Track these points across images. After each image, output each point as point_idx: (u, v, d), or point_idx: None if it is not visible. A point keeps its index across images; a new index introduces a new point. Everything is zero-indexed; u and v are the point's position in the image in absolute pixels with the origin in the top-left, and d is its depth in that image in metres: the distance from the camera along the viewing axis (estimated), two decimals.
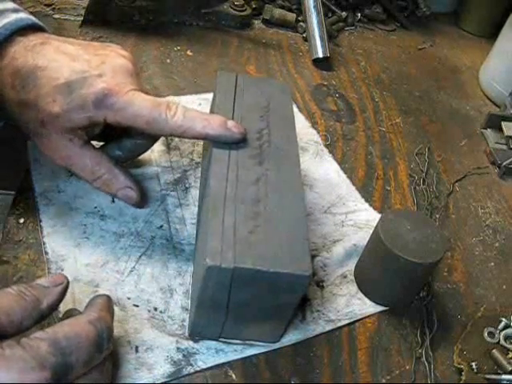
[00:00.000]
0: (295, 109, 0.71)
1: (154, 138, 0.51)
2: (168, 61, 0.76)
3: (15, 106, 0.45)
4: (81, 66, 0.44)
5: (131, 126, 0.45)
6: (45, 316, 0.34)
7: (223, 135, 0.45)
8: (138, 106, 0.44)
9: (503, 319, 0.51)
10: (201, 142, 0.61)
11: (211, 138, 0.45)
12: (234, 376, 0.42)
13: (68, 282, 0.36)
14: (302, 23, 0.91)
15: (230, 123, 0.46)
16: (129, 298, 0.45)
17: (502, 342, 0.50)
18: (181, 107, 0.46)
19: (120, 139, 0.50)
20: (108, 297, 0.38)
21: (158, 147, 0.59)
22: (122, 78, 0.45)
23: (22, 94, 0.44)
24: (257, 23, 0.92)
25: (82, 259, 0.46)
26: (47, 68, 0.43)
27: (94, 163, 0.48)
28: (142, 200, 0.52)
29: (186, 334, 0.43)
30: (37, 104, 0.44)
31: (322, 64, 0.85)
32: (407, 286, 0.48)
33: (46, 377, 0.30)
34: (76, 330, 0.32)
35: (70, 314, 0.38)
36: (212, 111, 0.53)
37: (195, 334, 0.43)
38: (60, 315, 0.40)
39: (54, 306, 0.35)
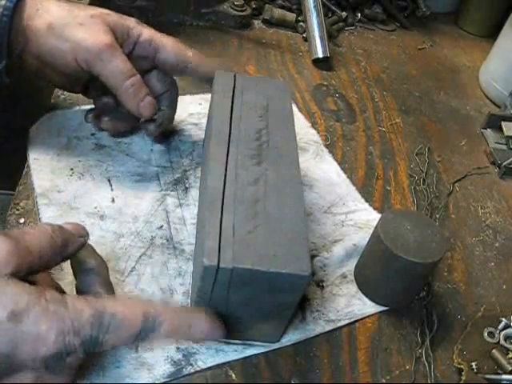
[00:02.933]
0: (295, 109, 0.71)
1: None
2: None
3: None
4: None
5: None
6: (64, 261, 0.35)
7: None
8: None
9: (503, 319, 0.51)
10: (200, 142, 0.61)
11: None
12: (233, 376, 0.42)
13: (87, 240, 0.37)
14: (302, 23, 0.91)
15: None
16: (129, 298, 0.44)
17: (502, 342, 0.50)
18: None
19: None
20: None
21: (157, 147, 0.59)
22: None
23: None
24: (257, 23, 0.92)
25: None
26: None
27: (126, 64, 0.48)
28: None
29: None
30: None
31: (322, 64, 0.85)
32: (407, 286, 0.48)
33: (76, 343, 0.30)
34: (126, 312, 0.32)
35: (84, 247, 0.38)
36: (210, 111, 0.53)
37: None
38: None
39: (73, 255, 0.36)
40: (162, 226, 0.51)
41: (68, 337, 0.30)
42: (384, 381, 0.45)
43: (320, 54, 0.82)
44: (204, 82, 0.56)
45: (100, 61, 0.46)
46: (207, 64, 0.54)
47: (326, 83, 0.81)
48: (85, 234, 0.37)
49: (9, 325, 0.29)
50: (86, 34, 0.45)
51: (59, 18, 0.46)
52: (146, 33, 0.51)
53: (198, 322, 0.36)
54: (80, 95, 0.59)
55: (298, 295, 0.40)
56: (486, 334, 0.50)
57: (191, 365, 0.41)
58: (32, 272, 0.32)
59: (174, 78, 0.56)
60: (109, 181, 0.54)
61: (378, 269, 0.48)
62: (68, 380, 0.33)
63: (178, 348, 0.42)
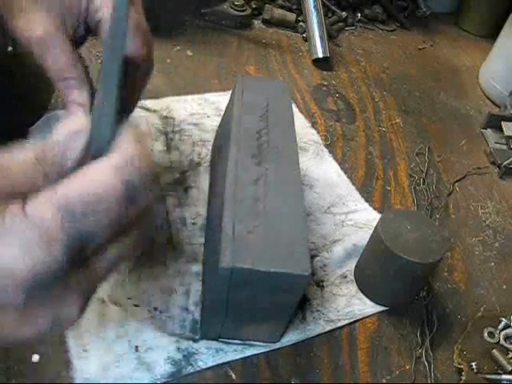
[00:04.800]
0: (295, 109, 0.71)
1: None
2: (168, 61, 0.76)
3: None
4: None
5: None
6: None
7: None
8: None
9: (503, 319, 0.51)
10: (200, 142, 0.61)
11: None
12: (233, 376, 0.42)
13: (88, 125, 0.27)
14: (302, 23, 0.91)
15: None
16: (129, 298, 0.45)
17: (502, 342, 0.50)
18: None
19: None
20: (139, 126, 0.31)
21: (157, 147, 0.59)
22: None
23: None
24: (257, 23, 0.92)
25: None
26: None
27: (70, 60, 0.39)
28: None
29: (187, 334, 0.43)
30: None
31: (322, 64, 0.85)
32: (407, 286, 0.48)
33: (55, 257, 0.23)
34: (95, 185, 0.24)
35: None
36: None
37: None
38: None
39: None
40: (162, 226, 0.51)
41: (37, 252, 0.23)
42: (384, 381, 0.45)
43: (320, 54, 0.82)
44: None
45: (40, 54, 0.39)
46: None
47: (326, 83, 0.81)
48: (82, 129, 0.27)
49: None
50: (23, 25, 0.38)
51: None
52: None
53: (144, 136, 0.28)
54: None
55: (298, 295, 0.40)
56: (485, 334, 0.50)
57: (191, 365, 0.41)
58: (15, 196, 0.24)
59: None
60: None
61: (377, 269, 0.48)
62: (74, 307, 0.26)
63: (178, 348, 0.42)
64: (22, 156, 0.25)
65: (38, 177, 0.25)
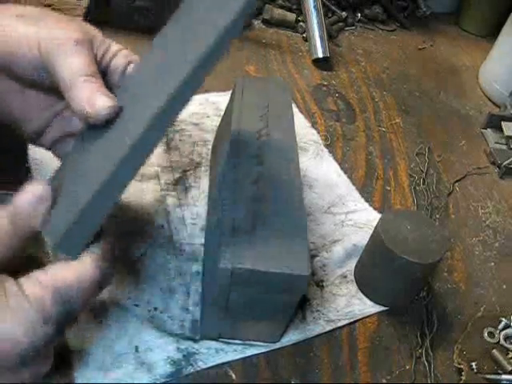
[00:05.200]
0: (295, 109, 0.71)
1: None
2: None
3: None
4: None
5: None
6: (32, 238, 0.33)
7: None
8: None
9: (503, 319, 0.51)
10: (200, 142, 0.61)
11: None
12: (233, 376, 0.42)
13: (50, 193, 0.33)
14: (302, 23, 0.91)
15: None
16: (129, 298, 0.45)
17: (502, 342, 0.50)
18: None
19: None
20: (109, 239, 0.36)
21: (157, 147, 0.59)
22: None
23: None
24: (257, 23, 0.92)
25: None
26: None
27: (89, 63, 0.37)
28: None
29: (187, 334, 0.43)
30: None
31: (322, 64, 0.85)
32: (407, 286, 0.48)
33: (48, 331, 0.29)
34: (80, 275, 0.31)
35: None
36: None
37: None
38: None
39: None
40: (162, 226, 0.51)
41: (37, 328, 0.29)
42: (384, 381, 0.45)
43: (320, 54, 0.82)
44: None
45: (63, 53, 0.37)
46: None
47: (326, 83, 0.81)
48: (45, 197, 0.33)
49: None
50: (56, 24, 0.37)
51: (31, 11, 0.38)
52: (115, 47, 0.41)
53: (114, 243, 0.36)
54: None
55: (298, 295, 0.40)
56: (485, 334, 0.50)
57: (191, 365, 0.41)
58: None
59: None
60: None
61: (377, 269, 0.48)
62: (49, 365, 0.32)
63: (178, 348, 0.42)
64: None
65: (12, 242, 0.31)
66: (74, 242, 0.32)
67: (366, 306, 0.49)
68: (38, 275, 0.30)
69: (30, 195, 0.32)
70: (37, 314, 0.29)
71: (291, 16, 0.92)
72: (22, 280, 0.30)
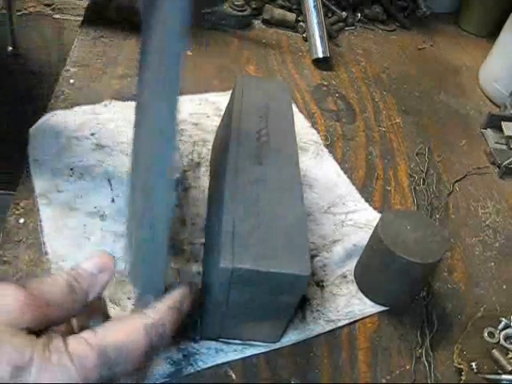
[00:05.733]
0: (295, 109, 0.71)
1: None
2: None
3: None
4: None
5: None
6: (87, 308, 0.32)
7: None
8: None
9: (503, 319, 0.51)
10: (200, 142, 0.61)
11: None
12: (233, 376, 0.42)
13: (115, 264, 0.33)
14: (302, 23, 0.91)
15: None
16: (129, 298, 0.45)
17: (502, 342, 0.50)
18: None
19: None
20: (191, 286, 0.35)
21: None
22: None
23: None
24: (257, 23, 0.92)
25: (81, 259, 0.46)
26: None
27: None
28: None
29: (187, 335, 0.43)
30: None
31: (322, 64, 0.84)
32: (407, 286, 0.48)
33: None
34: (128, 339, 0.30)
35: None
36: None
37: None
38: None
39: (99, 296, 0.33)
40: None
41: None
42: (384, 381, 0.45)
43: (320, 54, 0.82)
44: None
45: None
46: None
47: (326, 83, 0.81)
48: (110, 267, 0.33)
49: (12, 381, 0.26)
50: None
51: None
52: None
53: (185, 299, 0.35)
54: (79, 95, 0.59)
55: (298, 295, 0.40)
56: (485, 334, 0.50)
57: (191, 365, 0.41)
58: (51, 324, 0.30)
59: None
60: (109, 181, 0.54)
61: (377, 269, 0.48)
62: None
63: (178, 348, 0.42)
64: (56, 286, 0.30)
65: (68, 304, 0.30)
66: (154, 281, 0.34)
67: (365, 306, 0.49)
68: (85, 334, 0.30)
69: (93, 264, 0.33)
70: (77, 372, 0.28)
71: (291, 16, 0.92)
72: (70, 338, 0.29)
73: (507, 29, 0.86)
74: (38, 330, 0.29)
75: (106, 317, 0.35)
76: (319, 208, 0.58)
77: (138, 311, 0.33)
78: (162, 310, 0.33)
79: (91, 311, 0.34)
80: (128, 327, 0.31)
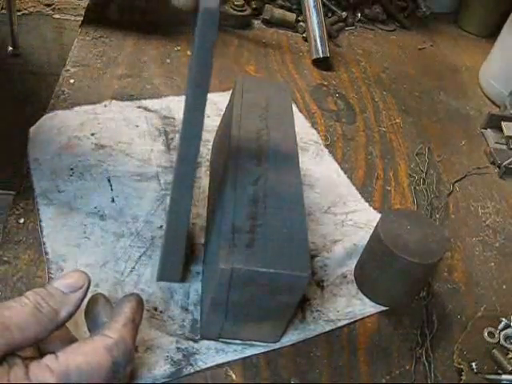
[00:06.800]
0: (295, 109, 0.71)
1: None
2: (168, 61, 0.76)
3: None
4: None
5: None
6: (61, 325, 0.32)
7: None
8: None
9: (503, 319, 0.51)
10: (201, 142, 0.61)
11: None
12: (233, 376, 0.42)
13: (89, 283, 0.33)
14: (302, 23, 0.91)
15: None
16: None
17: (502, 342, 0.50)
18: None
19: None
20: (137, 299, 0.36)
21: (157, 147, 0.59)
22: None
23: None
24: (257, 23, 0.92)
25: (81, 259, 0.46)
26: None
27: None
28: None
29: (187, 334, 0.43)
30: None
31: (322, 64, 0.84)
32: (407, 286, 0.48)
33: None
34: (90, 360, 0.30)
35: (95, 300, 0.36)
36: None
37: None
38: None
39: (72, 315, 0.33)
40: (161, 226, 0.51)
41: None
42: (384, 381, 0.45)
43: (320, 54, 0.82)
44: None
45: None
46: None
47: (326, 83, 0.81)
48: (82, 285, 0.33)
49: None
50: None
51: None
52: None
53: (136, 312, 0.36)
54: (80, 95, 0.59)
55: (298, 295, 0.40)
56: (486, 334, 0.50)
57: (191, 365, 0.41)
58: (16, 349, 0.30)
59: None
60: (109, 181, 0.54)
61: (378, 269, 0.48)
62: None
63: (178, 348, 0.42)
64: (19, 309, 0.30)
65: (33, 326, 0.30)
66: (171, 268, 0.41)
67: (365, 306, 0.49)
68: (47, 359, 0.30)
69: (65, 283, 0.33)
70: None
71: (291, 16, 0.92)
72: (32, 364, 0.29)
73: (507, 29, 0.86)
74: (0, 355, 0.29)
75: (70, 341, 0.35)
76: (319, 208, 0.58)
77: (98, 333, 0.33)
78: (119, 328, 0.33)
79: (54, 336, 0.34)
80: (88, 349, 0.31)
